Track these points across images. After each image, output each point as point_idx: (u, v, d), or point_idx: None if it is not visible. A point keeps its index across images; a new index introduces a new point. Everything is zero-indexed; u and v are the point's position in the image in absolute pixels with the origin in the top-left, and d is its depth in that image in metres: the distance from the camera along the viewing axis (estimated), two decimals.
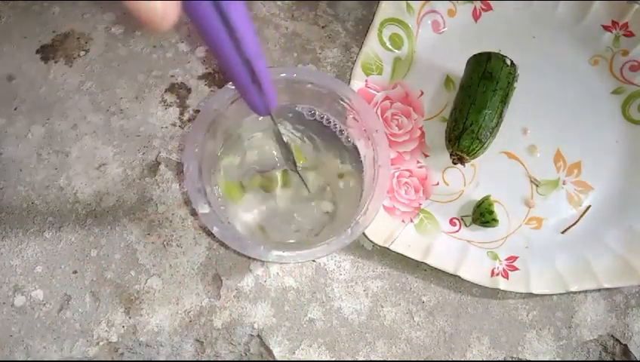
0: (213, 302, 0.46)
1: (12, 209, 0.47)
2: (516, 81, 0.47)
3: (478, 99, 0.46)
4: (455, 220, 0.48)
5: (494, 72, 0.46)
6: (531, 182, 0.50)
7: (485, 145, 0.46)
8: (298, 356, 0.45)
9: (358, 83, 0.48)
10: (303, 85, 0.40)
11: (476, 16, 0.53)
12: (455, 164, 0.47)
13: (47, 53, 0.52)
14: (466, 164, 0.49)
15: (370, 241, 0.46)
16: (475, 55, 0.48)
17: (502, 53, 0.48)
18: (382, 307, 0.47)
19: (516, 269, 0.47)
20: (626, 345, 0.47)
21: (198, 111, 0.50)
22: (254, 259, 0.47)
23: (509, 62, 0.47)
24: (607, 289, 0.47)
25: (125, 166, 0.49)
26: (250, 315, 0.46)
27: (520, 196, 0.49)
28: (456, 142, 0.46)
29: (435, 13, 0.52)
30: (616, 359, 0.48)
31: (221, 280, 0.46)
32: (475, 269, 0.46)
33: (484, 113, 0.45)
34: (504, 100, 0.46)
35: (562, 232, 0.49)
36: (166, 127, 0.50)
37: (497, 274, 0.46)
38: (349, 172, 0.44)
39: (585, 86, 0.51)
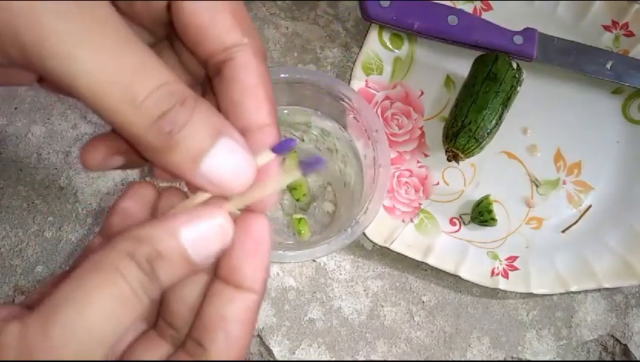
0: None
1: (12, 209, 0.47)
2: (520, 85, 0.47)
3: (479, 98, 0.46)
4: (455, 220, 0.48)
5: (499, 74, 0.46)
6: (531, 182, 0.50)
7: (482, 145, 0.46)
8: (298, 356, 0.45)
9: (358, 83, 0.48)
10: (303, 85, 0.40)
11: None
12: (449, 161, 0.47)
13: None
14: (466, 164, 0.49)
15: (370, 241, 0.46)
16: (482, 55, 0.48)
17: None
18: (382, 307, 0.47)
19: (516, 269, 0.47)
20: (626, 345, 0.47)
21: None
22: None
23: (515, 66, 0.47)
24: (607, 289, 0.47)
25: None
26: None
27: (520, 196, 0.49)
28: (453, 139, 0.46)
29: None
30: (616, 359, 0.48)
31: None
32: (475, 269, 0.46)
33: (483, 113, 0.45)
34: (505, 103, 0.46)
35: (563, 231, 0.49)
36: None
37: (497, 274, 0.46)
38: (350, 172, 0.44)
39: (585, 86, 0.51)
